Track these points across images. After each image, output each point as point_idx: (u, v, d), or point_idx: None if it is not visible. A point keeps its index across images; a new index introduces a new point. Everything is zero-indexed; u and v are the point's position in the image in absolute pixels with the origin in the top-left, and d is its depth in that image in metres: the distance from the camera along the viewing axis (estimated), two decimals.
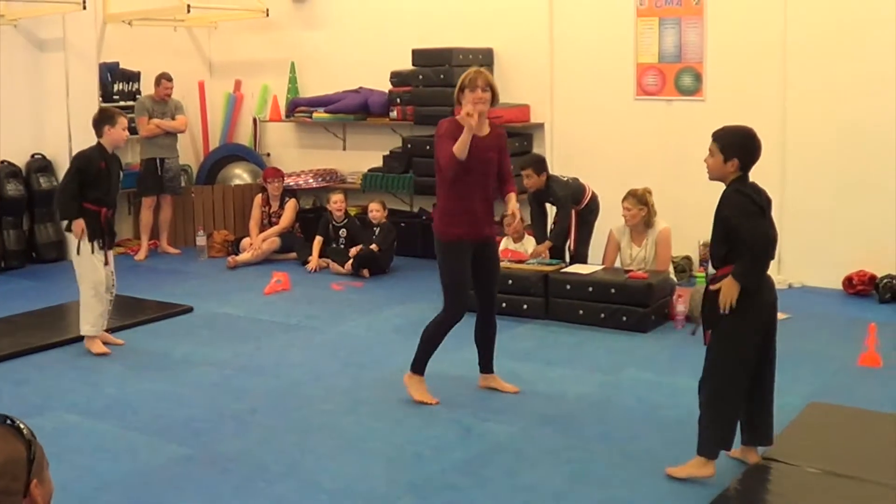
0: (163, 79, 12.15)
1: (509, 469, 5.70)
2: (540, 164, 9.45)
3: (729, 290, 5.21)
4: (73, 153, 8.26)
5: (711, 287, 5.36)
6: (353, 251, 10.93)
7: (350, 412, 6.72)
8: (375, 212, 11.18)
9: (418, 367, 6.88)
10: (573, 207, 9.43)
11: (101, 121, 8.08)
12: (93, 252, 8.04)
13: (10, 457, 2.50)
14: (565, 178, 9.57)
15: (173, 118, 12.28)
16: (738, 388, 5.33)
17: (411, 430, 6.34)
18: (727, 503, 5.16)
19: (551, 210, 9.77)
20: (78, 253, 8.06)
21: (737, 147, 5.24)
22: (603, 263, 9.37)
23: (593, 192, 9.64)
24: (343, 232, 11.41)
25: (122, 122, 8.08)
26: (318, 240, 11.46)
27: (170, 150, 12.32)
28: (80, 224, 7.96)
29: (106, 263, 8.16)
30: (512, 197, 6.80)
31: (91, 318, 8.11)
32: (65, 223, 8.17)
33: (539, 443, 6.09)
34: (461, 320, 6.79)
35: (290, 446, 6.12)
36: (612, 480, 5.53)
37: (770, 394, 5.55)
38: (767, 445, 5.61)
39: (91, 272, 8.08)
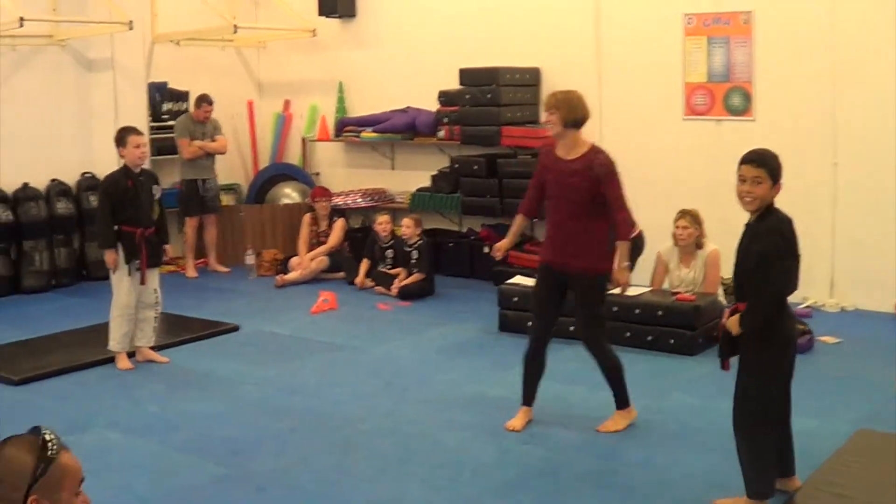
0: (203, 102, 12.20)
1: (546, 493, 5.62)
2: None
3: (733, 325, 5.18)
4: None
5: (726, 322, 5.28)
6: (399, 279, 10.91)
7: (389, 433, 6.67)
8: (406, 228, 11.07)
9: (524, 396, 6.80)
10: None
11: (116, 143, 8.23)
12: (129, 274, 8.12)
13: (14, 467, 2.52)
14: None
15: (213, 139, 12.32)
16: (773, 426, 5.23)
17: (449, 453, 6.28)
18: None
19: None
20: (114, 272, 8.22)
21: (780, 170, 5.12)
22: (651, 286, 9.28)
23: (640, 230, 9.44)
24: (390, 252, 11.38)
25: (133, 140, 8.14)
26: (364, 262, 11.46)
27: (209, 171, 12.40)
28: (111, 255, 8.12)
29: (142, 282, 8.20)
30: (621, 247, 6.50)
31: (117, 335, 8.27)
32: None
33: (578, 467, 6.01)
34: (539, 345, 6.73)
35: (326, 467, 6.09)
36: None
37: (790, 421, 5.45)
38: (792, 475, 5.50)
39: (122, 294, 8.22)
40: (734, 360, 5.30)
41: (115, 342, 8.29)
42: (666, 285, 9.22)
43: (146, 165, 11.42)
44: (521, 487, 5.73)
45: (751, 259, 5.09)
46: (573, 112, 6.44)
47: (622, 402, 6.71)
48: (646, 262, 9.46)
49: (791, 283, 5.15)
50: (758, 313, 5.08)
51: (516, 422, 6.69)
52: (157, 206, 8.37)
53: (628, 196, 6.56)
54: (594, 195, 6.38)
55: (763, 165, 5.10)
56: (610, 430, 6.57)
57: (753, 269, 5.06)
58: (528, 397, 6.79)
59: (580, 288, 6.54)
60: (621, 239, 6.45)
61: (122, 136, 8.17)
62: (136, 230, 8.11)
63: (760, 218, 5.14)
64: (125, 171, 8.17)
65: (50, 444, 2.56)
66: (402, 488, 5.74)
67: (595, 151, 6.50)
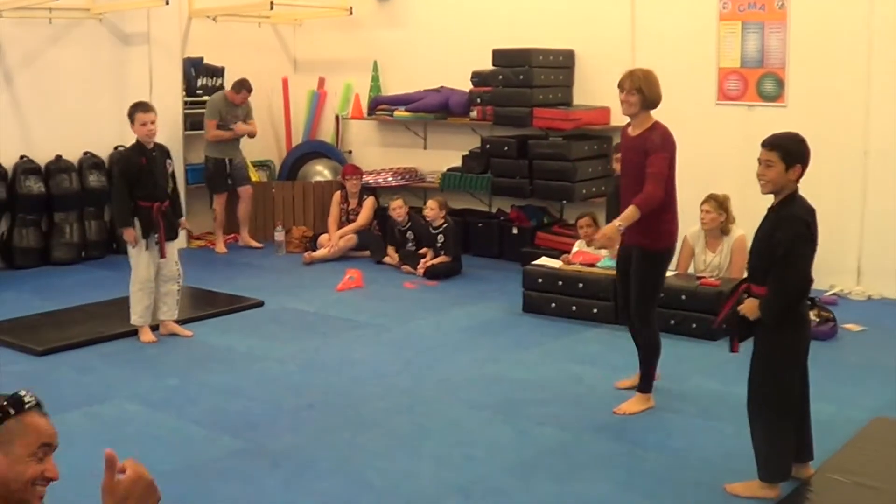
0: (243, 88, 12.24)
1: (559, 474, 5.62)
2: None
3: (751, 311, 5.14)
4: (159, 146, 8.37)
5: (740, 308, 5.25)
6: (427, 259, 10.94)
7: (406, 411, 6.69)
8: (430, 210, 11.03)
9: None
10: None
11: (129, 119, 8.23)
12: (147, 248, 8.19)
13: None
14: None
15: (244, 121, 12.37)
16: (789, 412, 5.19)
17: (465, 432, 6.29)
18: None
19: None
20: (133, 247, 8.27)
21: (798, 154, 5.07)
22: (676, 269, 9.24)
23: None
24: (410, 234, 11.41)
25: (140, 117, 8.14)
26: (390, 248, 11.54)
27: (234, 151, 12.49)
28: (130, 233, 8.17)
29: (162, 256, 8.26)
30: (630, 210, 6.34)
31: (139, 309, 8.33)
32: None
33: (592, 449, 6.00)
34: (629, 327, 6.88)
35: (342, 443, 6.11)
36: (661, 490, 5.42)
37: (808, 407, 5.42)
38: (810, 460, 5.47)
39: (140, 268, 8.28)
40: (745, 344, 5.29)
41: (138, 316, 8.35)
42: (691, 269, 9.18)
43: (179, 139, 11.61)
44: (535, 467, 5.73)
45: (776, 247, 5.03)
46: (653, 94, 6.50)
47: (646, 385, 6.71)
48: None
49: (808, 280, 5.14)
50: (781, 301, 5.05)
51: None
52: (170, 180, 8.42)
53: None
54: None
55: (775, 148, 5.07)
56: (625, 412, 6.55)
57: (780, 257, 5.02)
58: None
59: (634, 263, 6.58)
60: (635, 204, 6.34)
61: (132, 114, 8.20)
62: (152, 205, 8.15)
63: (783, 204, 5.10)
64: (139, 147, 8.23)
65: (12, 401, 2.62)
66: (416, 465, 5.76)
67: (653, 128, 6.53)
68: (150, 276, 8.28)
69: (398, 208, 11.40)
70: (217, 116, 12.15)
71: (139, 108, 8.23)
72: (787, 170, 5.04)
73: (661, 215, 6.46)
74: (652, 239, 6.49)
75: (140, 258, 8.25)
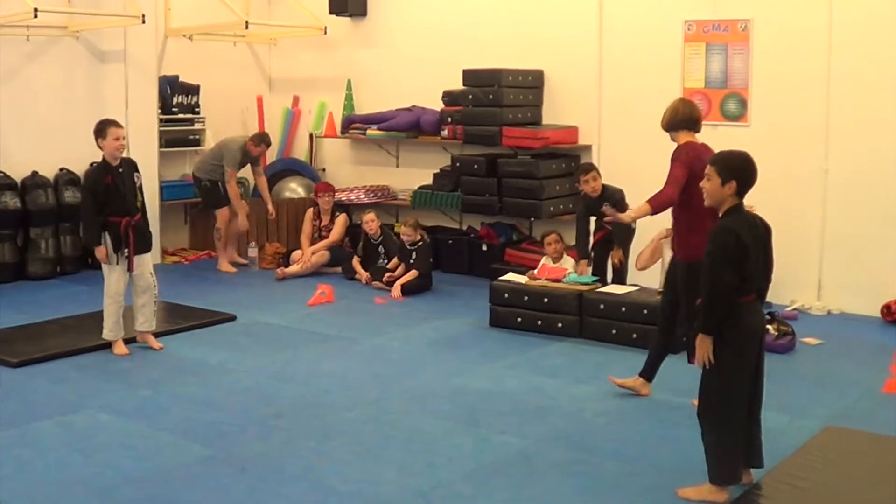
0: (263, 142, 12.42)
1: (517, 480, 5.80)
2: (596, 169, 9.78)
3: (701, 345, 5.33)
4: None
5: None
6: (396, 274, 11.10)
7: (372, 420, 6.87)
8: (406, 235, 11.20)
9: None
10: None
11: (96, 135, 8.39)
12: (117, 262, 8.36)
13: None
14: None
15: (254, 167, 12.65)
16: (737, 416, 5.37)
17: (428, 440, 6.46)
18: None
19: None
20: (105, 263, 8.43)
21: (735, 170, 5.31)
22: (638, 256, 9.46)
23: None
24: (381, 249, 11.62)
25: (113, 132, 8.32)
26: (356, 259, 11.72)
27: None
28: (101, 251, 8.34)
29: (130, 270, 8.41)
30: (642, 204, 7.24)
31: (110, 323, 8.51)
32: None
33: (550, 456, 6.18)
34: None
35: (308, 451, 6.28)
36: (616, 495, 5.60)
37: (759, 415, 5.60)
38: (759, 467, 5.66)
39: (111, 282, 8.45)
40: None
41: (108, 330, 8.51)
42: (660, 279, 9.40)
43: (155, 156, 11.71)
44: (495, 474, 5.90)
45: (706, 256, 5.28)
46: (666, 116, 7.23)
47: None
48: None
49: (728, 285, 5.21)
50: (708, 309, 5.25)
51: None
52: (139, 194, 8.57)
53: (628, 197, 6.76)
54: None
55: (714, 164, 5.37)
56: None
57: (706, 265, 5.24)
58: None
59: (679, 275, 7.02)
60: (647, 201, 7.11)
61: (103, 128, 8.35)
62: (121, 220, 8.31)
63: (722, 217, 5.32)
64: (104, 165, 8.38)
65: None
66: (379, 472, 5.93)
67: (678, 146, 7.17)
68: (122, 290, 8.43)
69: (371, 221, 11.58)
70: (236, 165, 12.28)
71: (113, 123, 8.40)
72: (722, 184, 5.28)
73: (693, 226, 6.81)
74: (688, 251, 6.85)
75: (111, 272, 8.41)
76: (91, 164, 11.81)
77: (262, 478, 5.85)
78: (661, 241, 9.37)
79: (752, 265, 5.26)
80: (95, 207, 8.32)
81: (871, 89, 9.69)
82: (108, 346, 8.54)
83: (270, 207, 12.50)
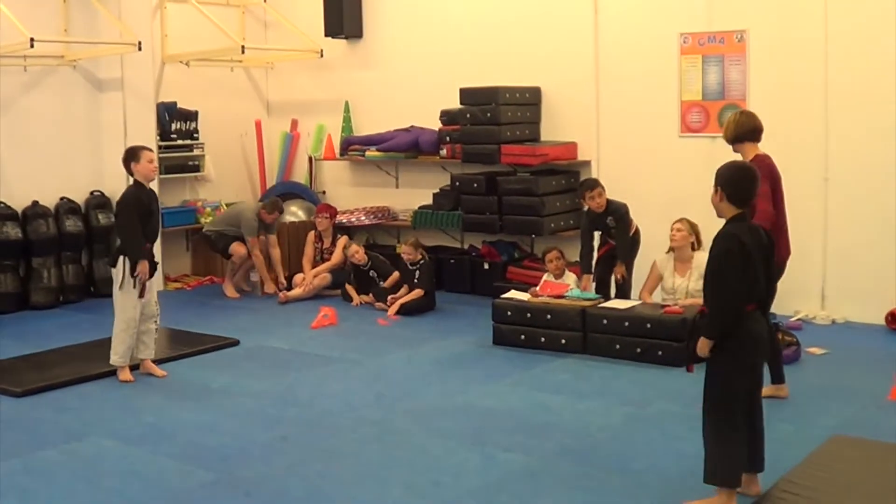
0: (276, 209, 12.40)
1: (523, 497, 5.78)
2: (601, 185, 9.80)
3: (700, 345, 5.34)
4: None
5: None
6: (399, 293, 11.11)
7: (376, 441, 6.84)
8: (407, 255, 11.20)
9: None
10: None
11: (127, 159, 8.46)
12: (134, 286, 8.33)
13: None
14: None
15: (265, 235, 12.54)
16: (737, 422, 5.36)
17: (433, 459, 6.45)
18: None
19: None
20: (121, 288, 8.37)
21: (723, 179, 5.35)
22: (642, 291, 9.48)
23: (637, 226, 9.80)
24: (373, 273, 11.65)
25: (146, 155, 8.42)
26: (349, 287, 11.74)
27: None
28: (144, 266, 8.32)
29: (141, 296, 8.40)
30: None
31: (121, 349, 8.46)
32: (112, 258, 8.51)
33: (556, 472, 6.16)
34: None
35: (312, 473, 6.26)
36: None
37: (761, 420, 5.59)
38: (759, 472, 5.64)
39: (128, 308, 8.42)
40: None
41: (118, 356, 8.47)
42: (660, 292, 9.40)
43: (155, 183, 11.72)
44: (501, 491, 5.88)
45: (710, 263, 5.28)
46: (729, 129, 7.38)
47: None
48: (642, 268, 9.67)
49: (735, 288, 5.23)
50: (716, 317, 5.25)
51: None
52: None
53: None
54: None
55: (715, 176, 5.33)
56: None
57: (712, 272, 5.25)
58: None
59: None
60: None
61: (136, 152, 8.44)
62: (148, 244, 8.39)
63: (724, 225, 5.34)
64: (139, 187, 8.42)
65: None
66: (384, 492, 5.91)
67: (752, 159, 7.18)
68: (137, 317, 8.43)
69: (356, 253, 11.61)
70: (255, 233, 12.26)
71: (145, 148, 8.55)
72: (716, 194, 5.37)
73: (776, 233, 6.76)
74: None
75: (129, 298, 8.37)
76: (91, 193, 11.93)
77: (267, 501, 5.83)
78: (657, 263, 9.42)
79: (755, 272, 5.26)
80: (140, 224, 8.34)
81: (869, 97, 9.70)
82: (111, 374, 8.53)
83: (282, 279, 12.40)
